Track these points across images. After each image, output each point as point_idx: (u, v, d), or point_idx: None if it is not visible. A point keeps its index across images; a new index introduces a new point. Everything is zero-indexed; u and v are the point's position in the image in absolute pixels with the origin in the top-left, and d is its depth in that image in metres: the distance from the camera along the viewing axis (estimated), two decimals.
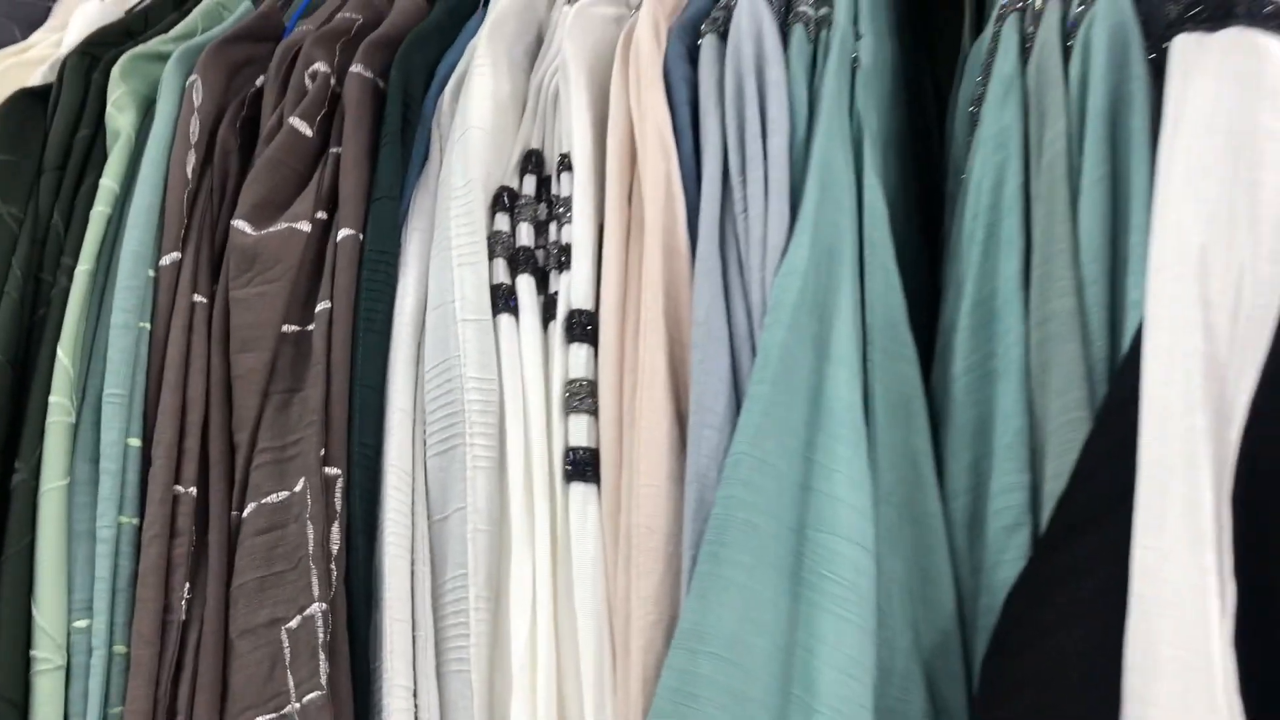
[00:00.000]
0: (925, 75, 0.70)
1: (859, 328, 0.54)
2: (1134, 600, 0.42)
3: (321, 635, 0.52)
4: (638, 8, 0.64)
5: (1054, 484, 0.48)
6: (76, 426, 0.59)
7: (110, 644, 0.56)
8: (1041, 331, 0.51)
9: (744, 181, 0.56)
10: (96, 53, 0.67)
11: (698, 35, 0.62)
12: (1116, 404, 0.48)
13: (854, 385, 0.52)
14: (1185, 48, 0.47)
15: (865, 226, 0.55)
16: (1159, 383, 0.44)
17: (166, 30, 0.70)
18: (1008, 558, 0.49)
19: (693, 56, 0.62)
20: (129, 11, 0.72)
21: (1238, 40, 0.46)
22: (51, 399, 0.59)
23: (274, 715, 0.53)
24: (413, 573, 0.54)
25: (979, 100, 0.59)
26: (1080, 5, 0.55)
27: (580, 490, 0.54)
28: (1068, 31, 0.56)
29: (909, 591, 0.50)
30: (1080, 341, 0.50)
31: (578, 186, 0.59)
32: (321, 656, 0.52)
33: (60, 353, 0.59)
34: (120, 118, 0.64)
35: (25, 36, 0.74)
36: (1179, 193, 0.46)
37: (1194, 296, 0.44)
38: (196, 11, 0.71)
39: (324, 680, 0.51)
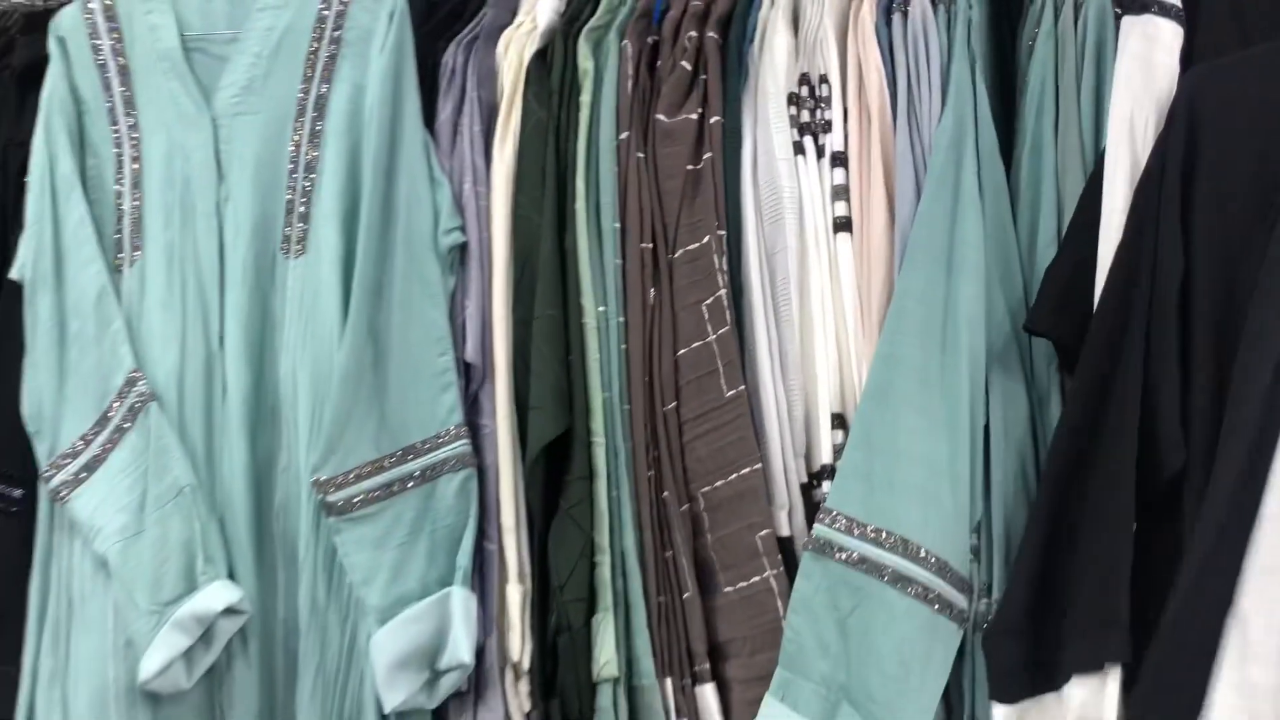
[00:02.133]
0: (1004, 21, 1.26)
1: (975, 158, 1.12)
2: None
3: (726, 304, 1.14)
4: None
5: None
6: (588, 218, 1.22)
7: (617, 317, 1.19)
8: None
9: (919, 85, 1.16)
10: (566, 29, 1.28)
11: (890, 12, 1.20)
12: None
13: (973, 187, 1.11)
14: (1122, 27, 1.05)
15: (978, 109, 1.14)
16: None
17: (593, 14, 1.30)
18: None
19: (887, 20, 1.20)
20: (567, 2, 1.32)
21: (1143, 25, 1.04)
22: (576, 205, 1.21)
23: (701, 342, 1.15)
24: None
25: (1034, 39, 1.16)
26: None
27: (844, 238, 1.15)
28: (1078, 4, 1.14)
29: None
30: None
31: (833, 90, 1.19)
32: (727, 312, 1.14)
33: (578, 182, 1.21)
34: (587, 63, 1.25)
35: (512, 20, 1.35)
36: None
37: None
38: (604, 3, 1.31)
39: (729, 321, 1.14)
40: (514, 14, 1.35)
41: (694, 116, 1.21)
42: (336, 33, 1.28)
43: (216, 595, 1.19)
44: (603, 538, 1.16)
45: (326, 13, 1.29)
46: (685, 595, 1.14)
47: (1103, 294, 1.03)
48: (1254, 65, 1.03)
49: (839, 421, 1.13)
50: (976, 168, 1.12)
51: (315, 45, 1.28)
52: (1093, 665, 0.97)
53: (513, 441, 1.20)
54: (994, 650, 1.03)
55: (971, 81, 1.14)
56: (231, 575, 1.21)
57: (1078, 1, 1.13)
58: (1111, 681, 0.96)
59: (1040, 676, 1.00)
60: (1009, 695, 1.01)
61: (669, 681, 1.13)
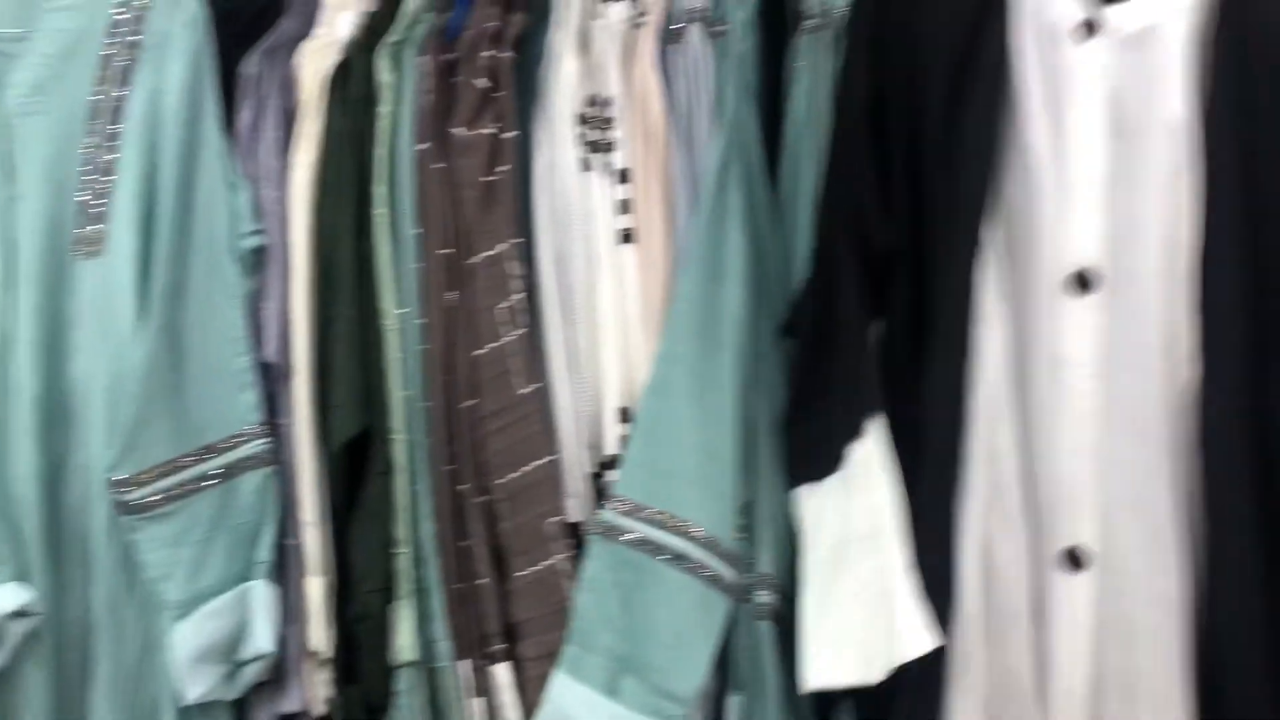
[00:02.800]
0: (778, 52, 1.39)
1: (743, 178, 1.25)
2: None
3: (520, 307, 1.23)
4: (640, 23, 1.33)
5: None
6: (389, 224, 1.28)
7: (416, 319, 1.25)
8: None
9: (695, 109, 1.27)
10: (365, 42, 1.33)
11: (668, 42, 1.31)
12: None
13: (739, 205, 1.23)
14: None
15: (746, 134, 1.26)
16: None
17: (392, 29, 1.36)
18: None
19: (665, 50, 1.31)
20: (367, 16, 1.38)
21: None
22: (376, 211, 1.27)
23: (497, 343, 1.23)
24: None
25: (796, 70, 1.30)
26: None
27: (628, 247, 1.25)
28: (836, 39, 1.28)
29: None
30: None
31: (617, 112, 1.29)
32: (521, 315, 1.22)
33: (378, 188, 1.27)
34: (386, 76, 1.31)
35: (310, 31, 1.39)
36: None
37: None
38: (403, 19, 1.37)
39: (524, 323, 1.23)
40: (312, 25, 1.40)
41: (489, 131, 1.29)
42: (134, 37, 1.29)
43: (5, 598, 1.18)
44: (402, 529, 1.22)
45: (122, 17, 1.30)
46: (481, 581, 1.21)
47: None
48: None
49: (625, 415, 1.23)
50: (744, 187, 1.24)
51: (110, 49, 1.29)
52: (855, 431, 1.10)
53: (313, 439, 1.25)
54: (787, 440, 1.17)
55: (743, 109, 1.27)
56: (23, 577, 1.21)
57: (833, 39, 1.27)
58: (874, 433, 1.10)
59: (820, 458, 1.13)
60: (806, 476, 1.14)
61: (465, 663, 1.20)
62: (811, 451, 1.15)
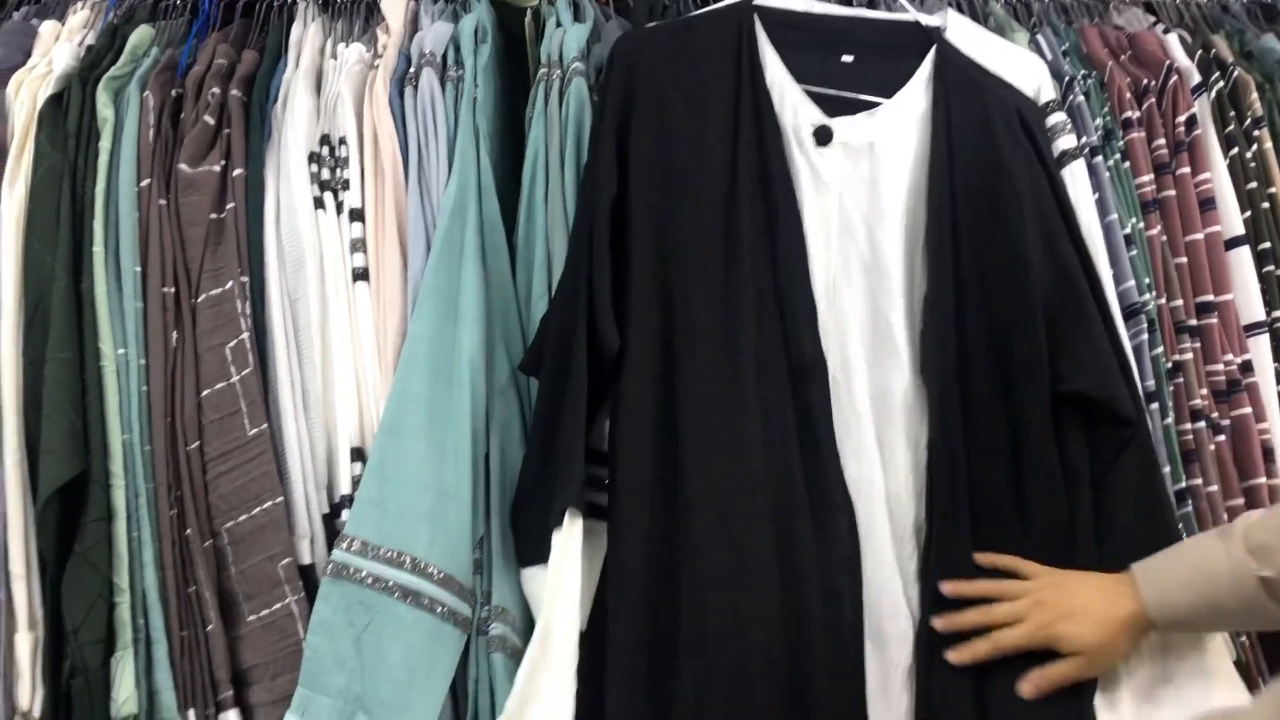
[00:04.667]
0: (518, 99, 1.44)
1: (478, 221, 1.28)
2: None
3: (249, 346, 1.21)
4: (374, 65, 1.34)
5: None
6: (106, 260, 1.23)
7: (138, 359, 1.21)
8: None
9: (428, 152, 1.29)
10: (84, 75, 1.29)
11: (404, 84, 1.33)
12: None
13: (474, 247, 1.26)
14: None
15: (481, 178, 1.30)
16: None
17: (114, 63, 1.32)
18: None
19: (400, 92, 1.33)
20: (87, 49, 1.33)
21: None
22: (94, 249, 1.22)
23: (224, 383, 1.21)
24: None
25: (531, 118, 1.35)
26: (567, 81, 1.32)
27: (362, 286, 1.26)
28: (563, 90, 1.33)
29: None
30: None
31: (351, 152, 1.29)
32: (249, 354, 1.21)
33: (95, 226, 1.23)
34: (107, 111, 1.27)
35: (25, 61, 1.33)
36: None
37: None
38: (126, 53, 1.33)
39: (252, 363, 1.21)
40: (27, 55, 1.34)
41: (217, 168, 1.27)
42: None
43: None
44: (122, 578, 1.17)
45: None
46: (209, 628, 1.18)
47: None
48: (672, 26, 1.30)
49: (358, 455, 1.23)
50: (479, 229, 1.27)
51: None
52: (558, 519, 1.12)
53: (22, 486, 1.19)
54: (516, 524, 1.20)
55: (476, 153, 1.30)
56: None
57: (563, 87, 1.33)
58: (570, 527, 1.12)
59: (539, 540, 1.15)
60: (529, 559, 1.18)
61: (191, 713, 1.16)
62: (530, 536, 1.19)
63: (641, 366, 1.18)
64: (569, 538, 1.13)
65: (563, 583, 1.12)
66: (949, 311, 1.19)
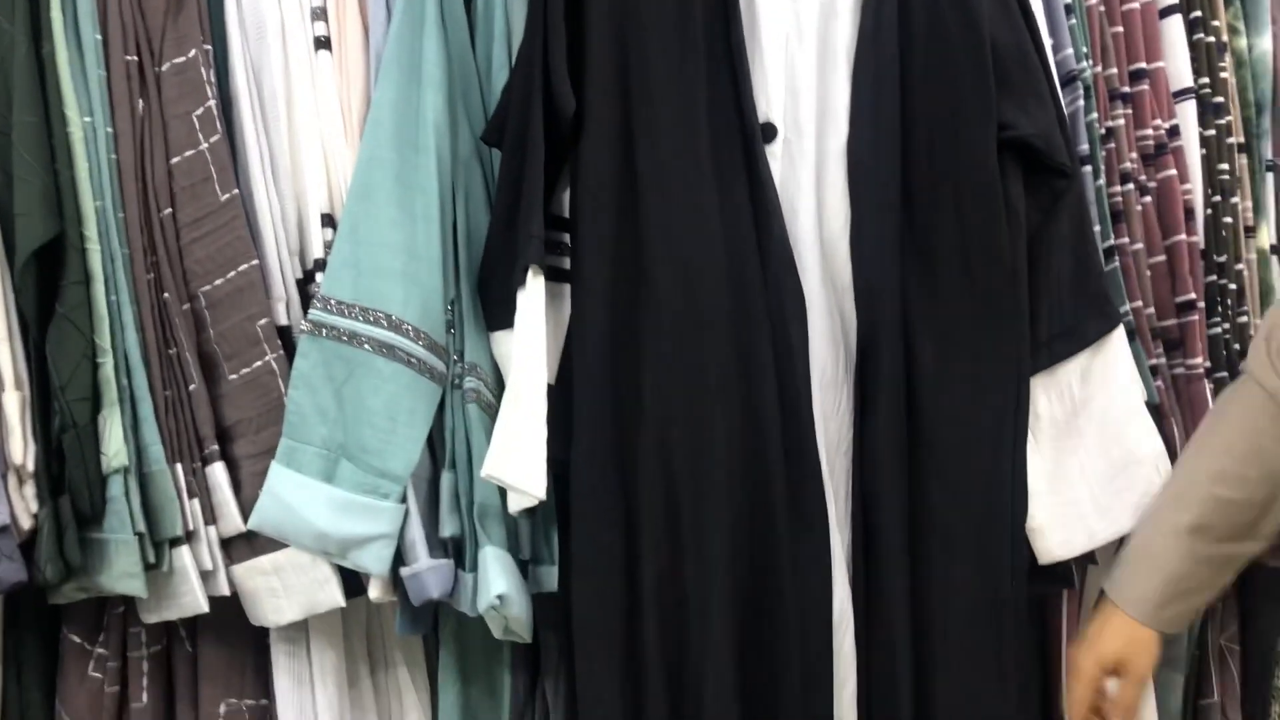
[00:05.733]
0: None
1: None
2: None
3: (216, 114, 1.23)
4: None
5: None
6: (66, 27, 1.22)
7: (105, 127, 1.22)
8: None
9: None
10: None
11: None
12: None
13: (435, 13, 1.27)
14: None
15: None
16: None
17: None
18: None
19: None
20: None
21: None
22: (53, 13, 1.21)
23: (193, 150, 1.23)
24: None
25: None
26: None
27: (324, 54, 1.27)
28: None
29: None
30: None
31: None
32: (217, 122, 1.22)
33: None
34: None
35: None
36: None
37: None
38: None
39: (220, 130, 1.22)
40: None
41: None
42: None
43: None
44: (104, 339, 1.20)
45: None
46: (191, 387, 1.23)
47: None
48: None
49: (329, 221, 1.26)
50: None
51: None
52: (520, 278, 1.18)
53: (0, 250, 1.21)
54: (483, 291, 1.25)
55: None
56: None
57: None
58: (534, 283, 1.17)
59: (504, 303, 1.21)
60: (498, 323, 1.24)
61: (179, 466, 1.22)
62: (498, 301, 1.24)
63: (599, 128, 1.22)
64: (533, 295, 1.18)
65: (529, 338, 1.18)
66: (892, 60, 1.23)
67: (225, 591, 1.23)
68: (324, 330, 1.21)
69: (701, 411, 1.19)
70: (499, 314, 1.25)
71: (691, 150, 1.21)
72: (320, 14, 1.28)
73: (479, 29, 1.32)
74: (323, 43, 1.28)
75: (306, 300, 1.26)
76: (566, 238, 1.25)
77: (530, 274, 1.18)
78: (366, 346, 1.21)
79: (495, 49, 1.31)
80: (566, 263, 1.24)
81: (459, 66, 1.29)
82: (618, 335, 1.21)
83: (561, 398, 1.21)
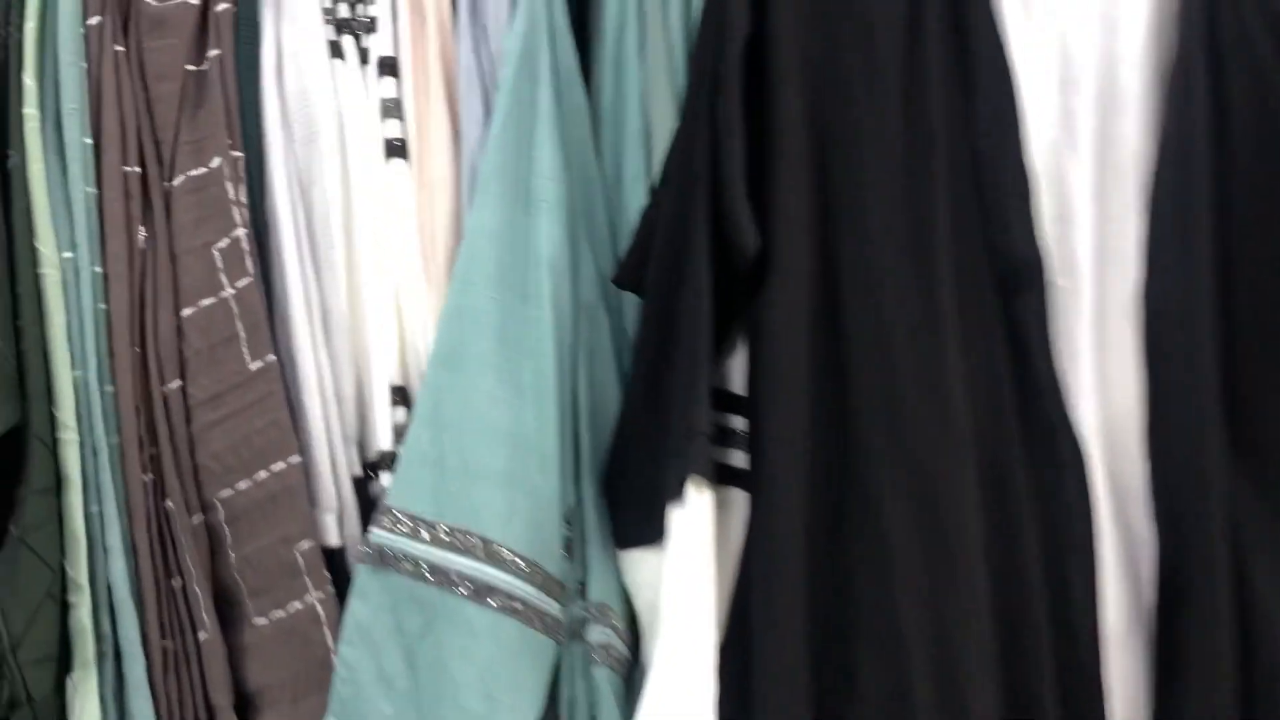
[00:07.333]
0: None
1: (552, 72, 0.94)
2: None
3: (246, 247, 0.87)
4: None
5: None
6: (44, 129, 0.89)
7: (92, 266, 0.88)
8: None
9: None
10: None
11: None
12: None
13: (551, 107, 0.93)
14: None
15: (553, 11, 0.95)
16: None
17: None
18: None
19: None
20: None
21: None
22: (25, 110, 0.88)
23: (213, 299, 0.88)
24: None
25: None
26: None
27: (398, 163, 0.92)
28: None
29: None
30: None
31: None
32: (248, 258, 0.87)
33: (27, 79, 0.88)
34: None
35: None
36: None
37: None
38: None
39: (251, 270, 0.87)
40: None
41: (195, 1, 0.92)
42: None
43: None
44: (79, 570, 0.84)
45: None
46: (202, 635, 0.86)
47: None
48: None
49: (400, 396, 0.90)
50: (555, 84, 0.93)
51: None
52: (676, 490, 0.81)
53: None
54: (612, 493, 0.89)
55: None
56: None
57: None
58: (697, 500, 0.81)
59: (651, 517, 0.84)
60: (630, 538, 0.86)
61: None
62: (632, 508, 0.87)
63: (792, 273, 0.84)
64: (696, 515, 0.80)
65: (690, 576, 0.80)
66: (1204, 175, 0.86)
67: None
68: (392, 560, 0.84)
69: (946, 689, 0.80)
70: (633, 527, 0.87)
71: (925, 302, 0.83)
72: (394, 109, 0.93)
73: (606, 127, 0.96)
74: (397, 148, 0.93)
75: (367, 511, 0.89)
76: (738, 422, 0.87)
77: (692, 486, 0.80)
78: (453, 586, 0.83)
79: (628, 155, 0.95)
80: (739, 458, 0.87)
81: (580, 180, 0.94)
82: (820, 574, 0.82)
83: (735, 658, 0.83)
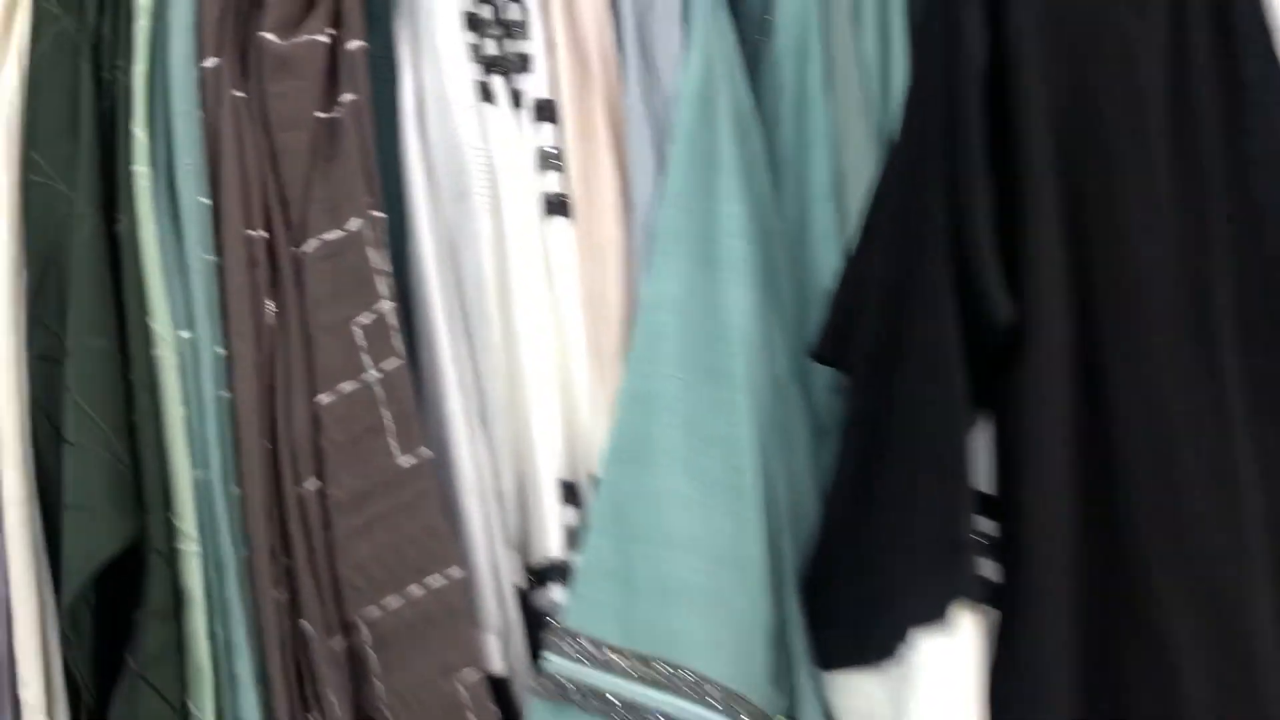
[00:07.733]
0: None
1: (736, 130, 0.81)
2: None
3: (393, 322, 0.75)
4: None
5: None
6: (155, 188, 0.77)
7: (213, 346, 0.76)
8: None
9: (651, 9, 0.83)
10: None
11: None
12: None
13: (735, 155, 0.80)
14: None
15: (729, 49, 0.83)
16: None
17: None
18: None
19: None
20: None
21: None
22: (135, 168, 0.76)
23: (355, 383, 0.75)
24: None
25: None
26: None
27: (560, 222, 0.80)
28: None
29: None
30: None
31: (530, 11, 0.83)
32: (394, 336, 0.75)
33: (136, 130, 0.76)
34: None
35: None
36: None
37: None
38: None
39: (399, 349, 0.75)
40: None
41: (323, 38, 0.80)
42: None
43: None
44: (204, 705, 0.72)
45: None
46: None
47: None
48: None
49: (570, 493, 0.77)
50: (737, 131, 0.81)
51: None
52: (935, 611, 0.68)
53: (34, 561, 0.73)
54: (815, 604, 0.76)
55: (718, 14, 0.83)
56: None
57: None
58: (965, 627, 0.68)
59: (873, 635, 0.72)
60: (840, 658, 0.73)
61: None
62: (842, 623, 0.74)
63: (1050, 349, 0.71)
64: (964, 644, 0.67)
65: (956, 717, 0.67)
66: None
67: None
68: (575, 694, 0.71)
69: None
70: (844, 646, 0.74)
71: (1207, 382, 0.70)
72: (553, 160, 0.81)
73: (787, 177, 0.83)
74: (557, 205, 0.80)
75: (532, 628, 0.76)
76: (986, 525, 0.74)
77: (957, 610, 0.67)
78: None
79: (816, 209, 0.82)
80: (987, 568, 0.73)
81: (760, 235, 0.81)
82: (1092, 710, 0.69)
83: None
